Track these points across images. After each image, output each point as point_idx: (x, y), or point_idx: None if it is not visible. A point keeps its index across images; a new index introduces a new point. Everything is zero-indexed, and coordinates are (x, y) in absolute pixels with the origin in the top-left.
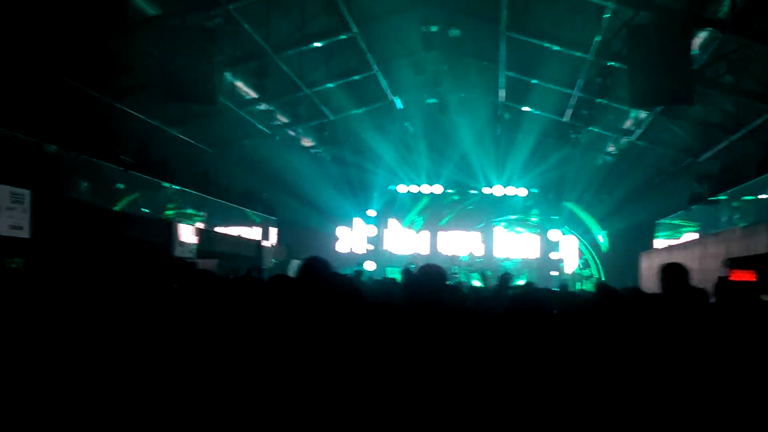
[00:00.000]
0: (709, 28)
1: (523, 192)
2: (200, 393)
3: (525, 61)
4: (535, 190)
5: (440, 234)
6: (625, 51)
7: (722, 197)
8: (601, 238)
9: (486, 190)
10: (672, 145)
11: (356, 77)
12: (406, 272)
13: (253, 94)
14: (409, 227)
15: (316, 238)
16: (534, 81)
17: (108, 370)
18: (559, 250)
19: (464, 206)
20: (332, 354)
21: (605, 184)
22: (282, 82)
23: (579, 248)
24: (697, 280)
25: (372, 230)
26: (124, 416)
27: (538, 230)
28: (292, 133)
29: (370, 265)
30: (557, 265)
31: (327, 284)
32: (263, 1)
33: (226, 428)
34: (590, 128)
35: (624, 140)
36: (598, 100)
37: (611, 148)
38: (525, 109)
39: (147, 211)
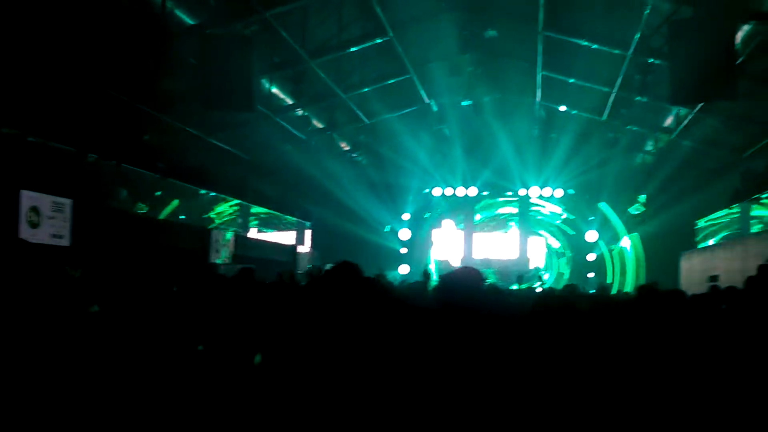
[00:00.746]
0: (752, 21)
1: (559, 193)
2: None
3: (562, 60)
4: (572, 191)
5: (475, 236)
6: (666, 47)
7: (764, 195)
8: (627, 242)
9: (522, 192)
10: (714, 142)
11: (392, 81)
12: (425, 275)
13: (289, 101)
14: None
15: (350, 243)
16: (571, 80)
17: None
18: (596, 252)
19: (498, 209)
20: (352, 356)
21: (644, 184)
22: (318, 87)
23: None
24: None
25: (406, 233)
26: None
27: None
28: (327, 138)
29: (404, 269)
30: (592, 266)
31: (353, 287)
32: (300, 8)
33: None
34: (629, 127)
35: (664, 138)
36: (637, 98)
37: (650, 147)
38: (562, 108)
39: (183, 217)
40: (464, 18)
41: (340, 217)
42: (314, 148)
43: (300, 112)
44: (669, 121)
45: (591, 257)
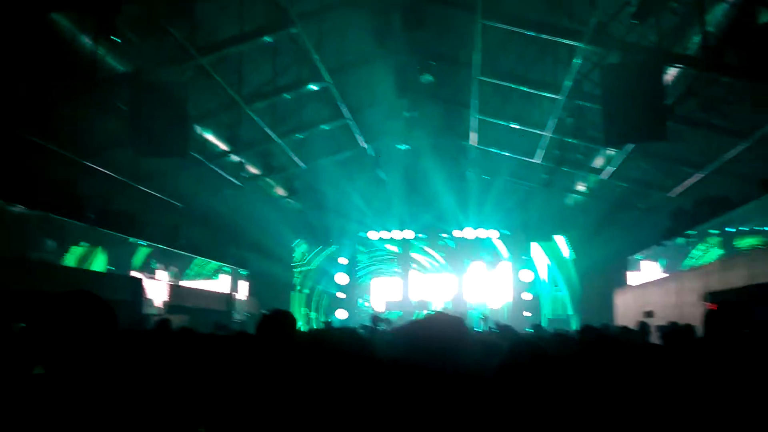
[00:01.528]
0: (678, 65)
1: (494, 234)
2: None
3: (496, 103)
4: (507, 232)
5: (411, 278)
6: (598, 91)
7: (693, 232)
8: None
9: (457, 233)
10: (643, 181)
11: (326, 126)
12: (375, 320)
13: (224, 147)
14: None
15: (287, 289)
16: (504, 123)
17: None
18: (532, 291)
19: (436, 250)
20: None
21: (576, 223)
22: (253, 132)
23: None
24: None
25: (344, 278)
26: None
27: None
28: (262, 184)
29: (341, 314)
30: (531, 305)
31: (287, 338)
32: (236, 55)
33: None
34: (561, 168)
35: (594, 178)
36: (569, 140)
37: (581, 187)
38: (496, 151)
39: (113, 268)
40: (401, 62)
41: (275, 263)
42: (249, 194)
43: (235, 157)
44: (599, 161)
45: (526, 296)
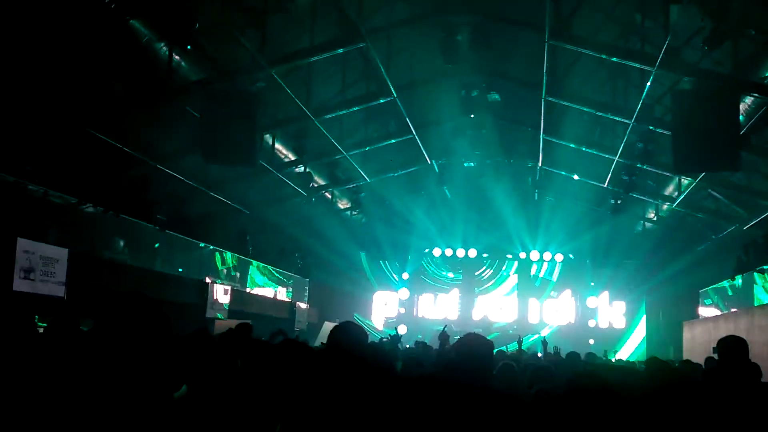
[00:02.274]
0: (755, 93)
1: (559, 257)
2: None
3: (565, 125)
4: (572, 257)
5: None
6: (669, 116)
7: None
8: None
9: (522, 255)
10: (715, 212)
11: (393, 141)
12: (443, 336)
13: (291, 157)
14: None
15: (348, 301)
16: (573, 146)
17: None
18: (597, 318)
19: (501, 271)
20: None
21: (645, 252)
22: (320, 144)
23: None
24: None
25: (405, 293)
26: None
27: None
28: (328, 195)
29: (402, 329)
30: (594, 332)
31: (357, 354)
32: (305, 66)
33: None
34: (630, 194)
35: (665, 206)
36: (639, 166)
37: (651, 215)
38: (562, 173)
39: (181, 270)
40: (468, 81)
41: (337, 275)
42: (315, 204)
43: (302, 168)
44: (670, 189)
45: (591, 324)
